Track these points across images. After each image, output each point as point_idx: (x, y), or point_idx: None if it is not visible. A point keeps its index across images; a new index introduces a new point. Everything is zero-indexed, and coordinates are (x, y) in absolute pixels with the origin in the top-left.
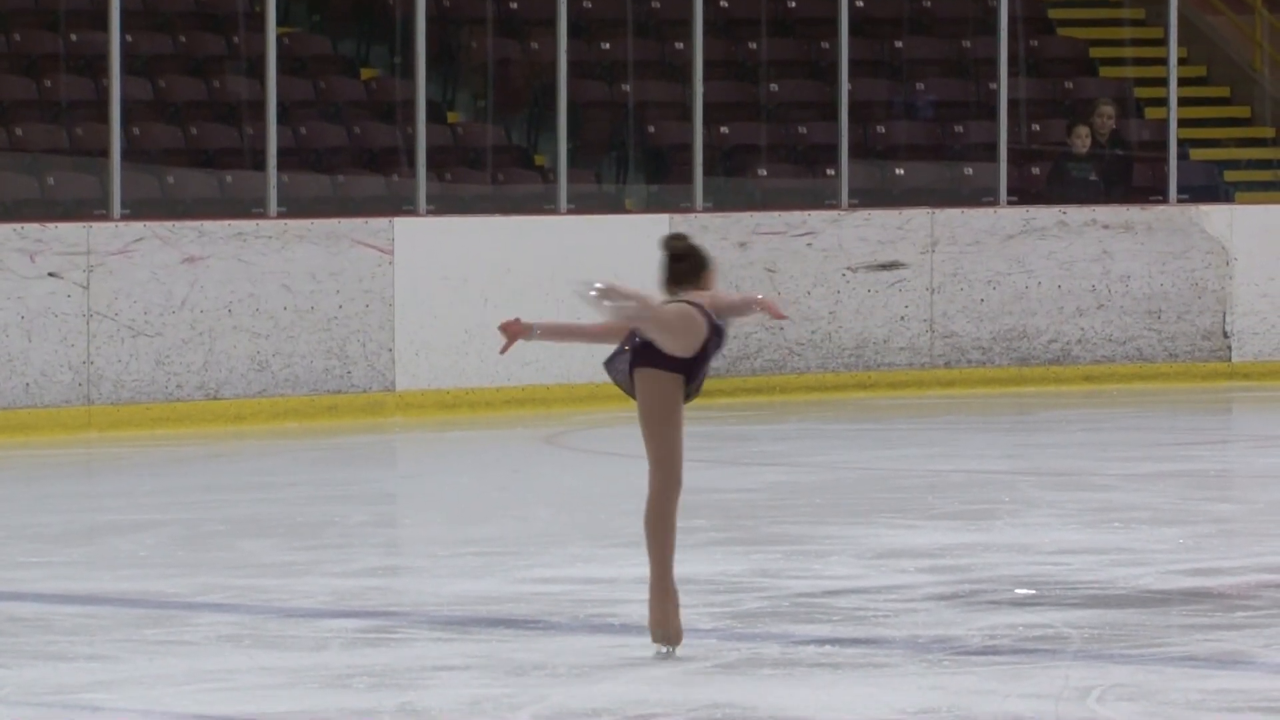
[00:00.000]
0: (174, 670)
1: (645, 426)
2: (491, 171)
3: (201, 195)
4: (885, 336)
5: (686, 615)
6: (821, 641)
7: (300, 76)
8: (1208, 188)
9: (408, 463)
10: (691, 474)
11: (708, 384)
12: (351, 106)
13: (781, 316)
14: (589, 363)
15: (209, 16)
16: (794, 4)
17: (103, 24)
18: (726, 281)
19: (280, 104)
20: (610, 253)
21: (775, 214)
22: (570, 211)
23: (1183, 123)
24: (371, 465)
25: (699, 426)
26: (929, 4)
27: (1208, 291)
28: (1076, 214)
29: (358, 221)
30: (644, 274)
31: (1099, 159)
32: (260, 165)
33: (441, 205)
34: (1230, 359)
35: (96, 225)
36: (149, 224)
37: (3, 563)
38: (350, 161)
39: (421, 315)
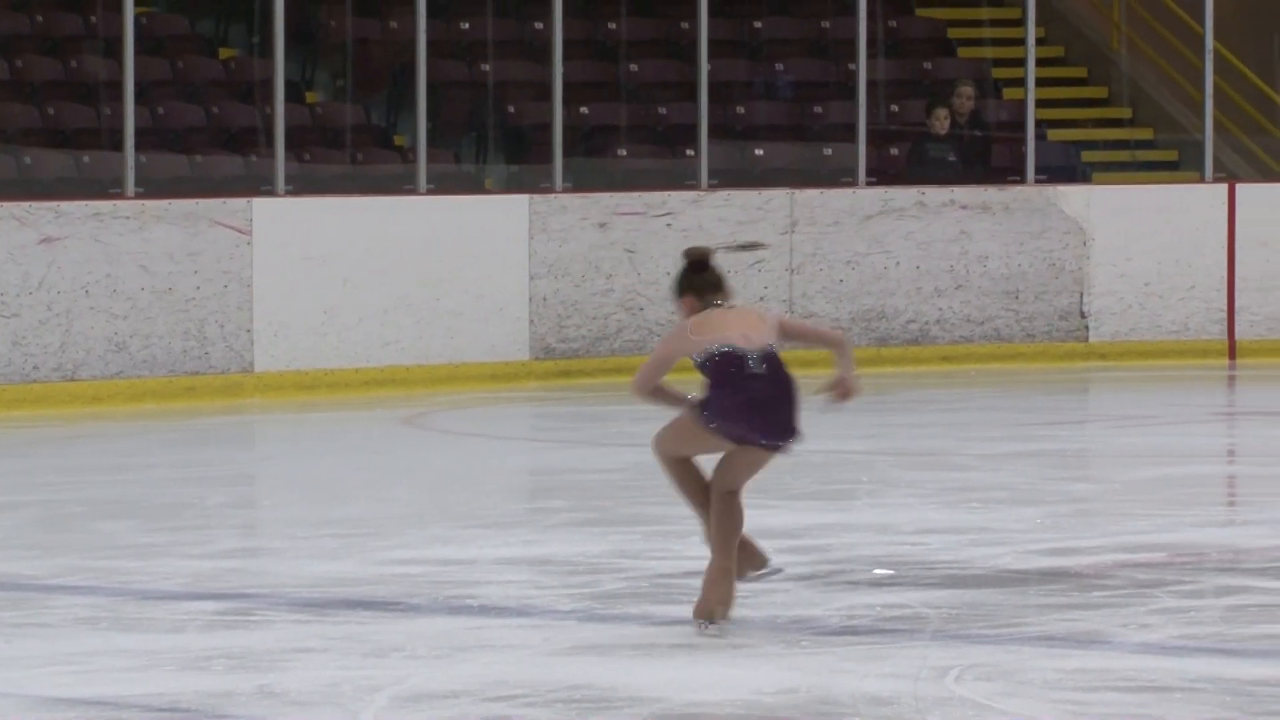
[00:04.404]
0: (31, 653)
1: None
2: (351, 151)
3: (59, 175)
4: None
5: (545, 596)
6: (681, 622)
7: (158, 56)
8: (1065, 168)
9: (266, 444)
10: (550, 455)
11: (568, 363)
12: (210, 86)
13: (845, 399)
14: (449, 344)
15: None
16: None
17: None
18: (585, 263)
19: (138, 84)
20: (470, 233)
21: (635, 194)
22: (430, 192)
23: (1040, 103)
24: (230, 447)
25: (558, 407)
26: None
27: (1065, 272)
28: (935, 194)
29: (216, 202)
30: (503, 252)
31: (958, 140)
32: (118, 145)
33: (300, 185)
34: (1087, 339)
35: None
36: (5, 204)
37: None
38: (208, 141)
39: (280, 296)
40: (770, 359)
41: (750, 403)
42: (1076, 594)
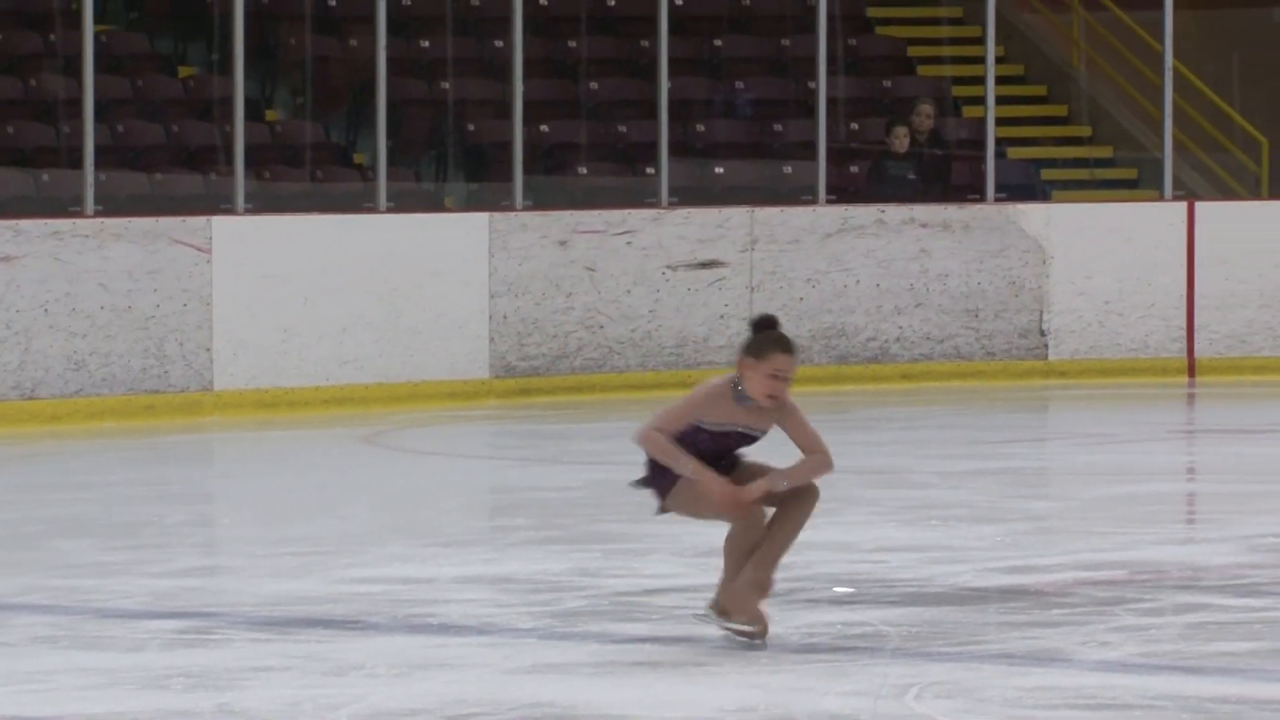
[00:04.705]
0: None
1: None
2: (310, 169)
3: (18, 194)
4: (705, 335)
5: (505, 615)
6: (641, 640)
7: (117, 74)
8: (1025, 186)
9: (226, 462)
10: (511, 473)
11: (527, 381)
12: (169, 104)
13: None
14: (408, 362)
15: (25, 14)
16: (614, 2)
17: None
18: (546, 280)
19: (97, 102)
20: (430, 251)
21: (595, 212)
22: (390, 210)
23: (1000, 121)
24: (189, 465)
25: (518, 425)
26: (748, 2)
27: (1025, 290)
28: (895, 212)
29: (175, 220)
30: (463, 270)
31: (917, 158)
32: (77, 164)
33: (260, 204)
34: (1047, 357)
35: None
36: None
37: None
38: (168, 160)
39: (240, 314)
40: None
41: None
42: (1036, 612)
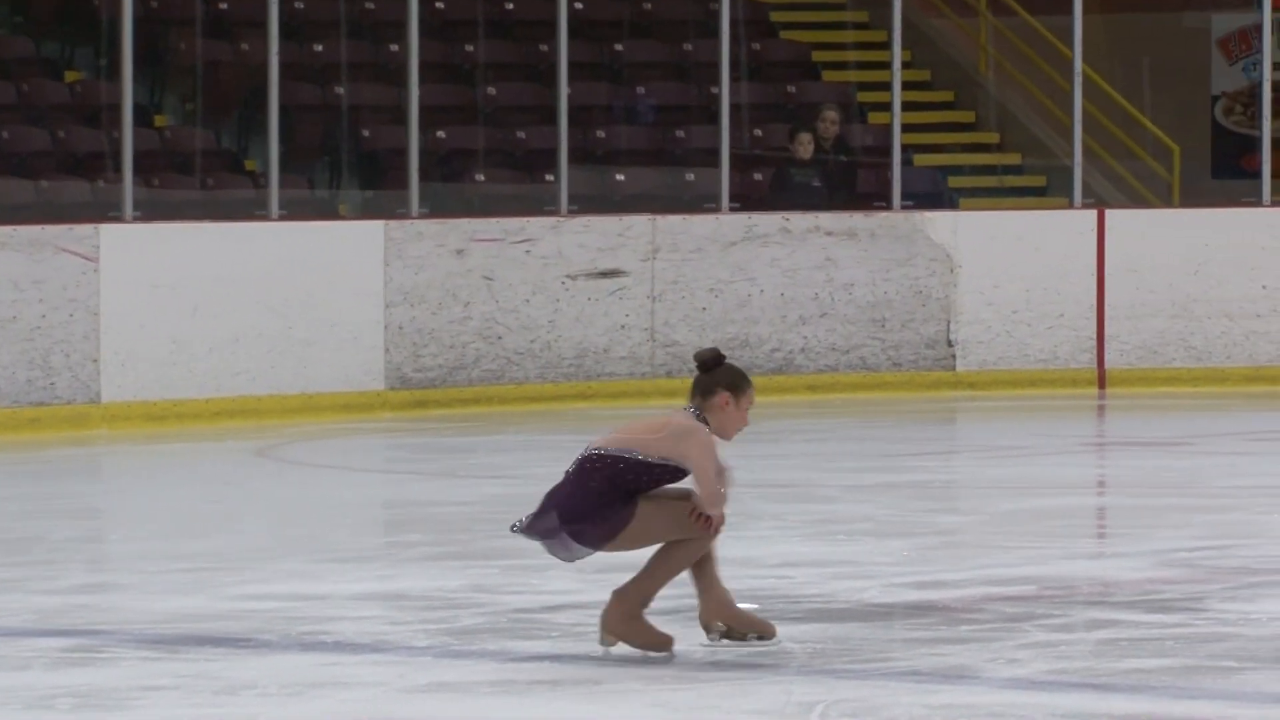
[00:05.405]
0: None
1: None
2: (201, 176)
3: None
4: (606, 346)
5: (400, 632)
6: (540, 658)
7: (2, 79)
8: (932, 194)
9: (115, 477)
10: (406, 487)
11: (423, 393)
12: (55, 110)
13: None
14: (301, 373)
15: None
16: (512, 6)
17: None
18: (442, 290)
19: None
20: (323, 259)
21: (493, 220)
22: (282, 218)
23: (906, 128)
24: (77, 479)
25: (414, 438)
26: (650, 6)
27: (932, 299)
28: (799, 220)
29: (62, 228)
30: (357, 279)
31: (822, 165)
32: None
33: (149, 211)
34: (955, 368)
35: None
36: None
37: None
38: (54, 166)
39: (128, 325)
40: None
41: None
42: (944, 628)
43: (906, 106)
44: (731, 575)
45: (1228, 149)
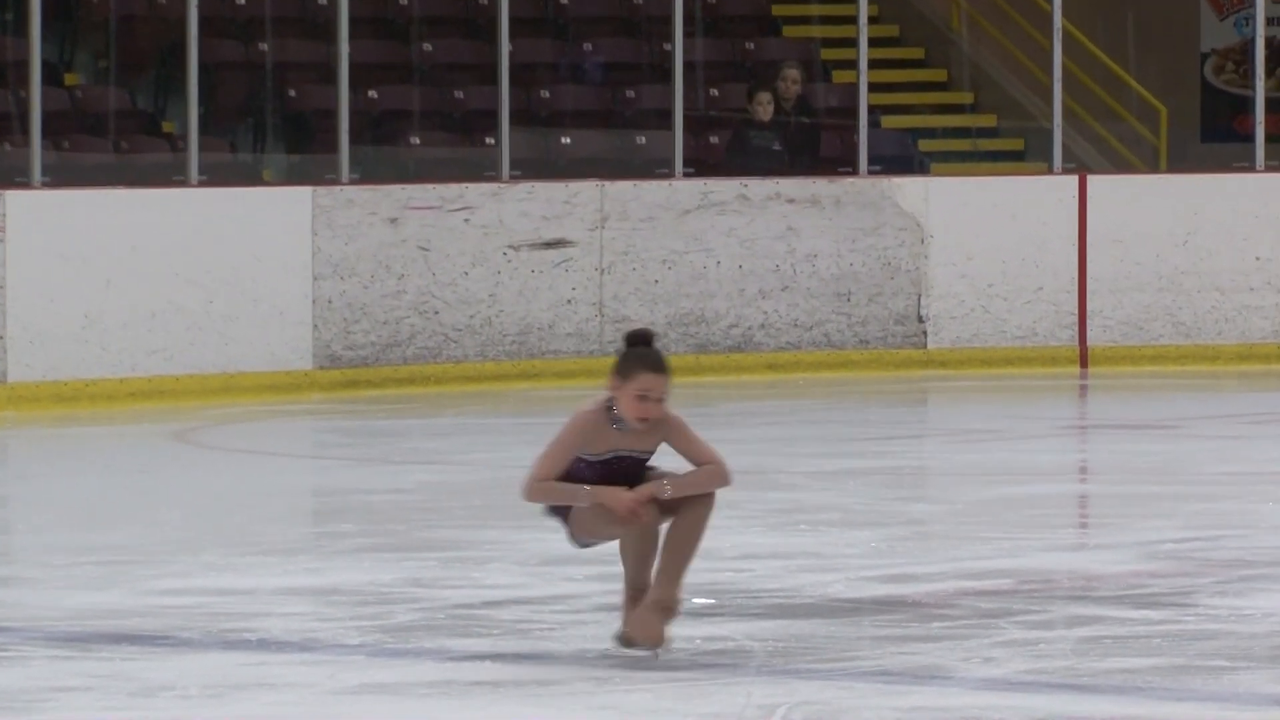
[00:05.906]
0: None
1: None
2: (114, 139)
3: None
4: (551, 321)
5: (330, 630)
6: (481, 657)
7: None
8: (901, 158)
9: (21, 462)
10: (336, 474)
11: (354, 373)
12: None
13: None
14: (223, 352)
15: None
16: None
17: None
18: (375, 262)
19: None
20: (247, 228)
21: (429, 186)
22: (202, 183)
23: (873, 87)
24: None
25: (345, 421)
26: None
27: (901, 272)
28: (759, 187)
29: None
30: (283, 250)
31: (783, 127)
32: None
33: (59, 177)
34: (926, 345)
35: None
36: None
37: None
38: None
39: (36, 299)
40: None
41: None
42: (915, 625)
43: (873, 64)
44: (689, 569)
45: (1218, 110)
